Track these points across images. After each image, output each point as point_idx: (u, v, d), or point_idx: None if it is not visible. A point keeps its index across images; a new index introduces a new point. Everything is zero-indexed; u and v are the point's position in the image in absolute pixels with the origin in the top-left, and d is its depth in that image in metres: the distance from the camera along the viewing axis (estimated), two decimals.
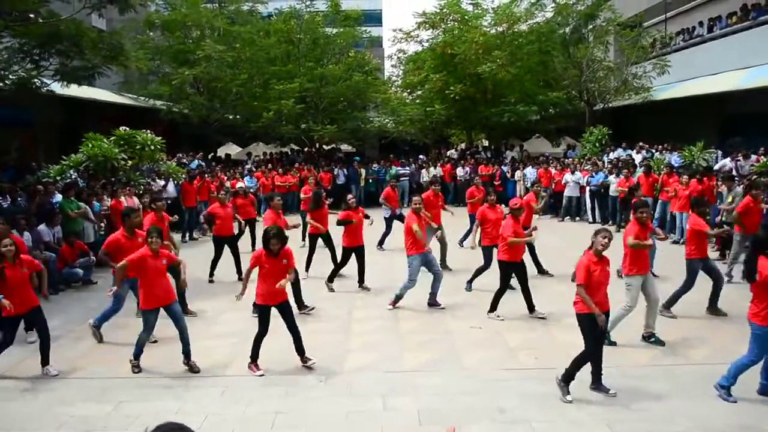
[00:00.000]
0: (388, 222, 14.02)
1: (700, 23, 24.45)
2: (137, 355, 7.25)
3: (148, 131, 16.47)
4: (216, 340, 8.07)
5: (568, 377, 6.28)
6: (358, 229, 10.57)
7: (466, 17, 25.99)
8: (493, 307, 9.04)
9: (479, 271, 10.36)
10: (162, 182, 16.58)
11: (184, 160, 21.06)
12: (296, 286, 9.33)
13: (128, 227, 8.40)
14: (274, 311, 7.16)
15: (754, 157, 15.51)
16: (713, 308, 8.88)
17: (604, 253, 6.42)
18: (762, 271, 5.84)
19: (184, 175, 17.18)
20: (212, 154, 26.23)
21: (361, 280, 10.78)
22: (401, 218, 12.94)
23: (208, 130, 25.71)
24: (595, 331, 6.16)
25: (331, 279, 10.87)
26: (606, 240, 6.35)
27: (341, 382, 6.85)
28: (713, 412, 5.89)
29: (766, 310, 5.87)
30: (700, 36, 24.11)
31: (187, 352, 7.26)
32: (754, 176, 12.01)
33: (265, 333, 7.09)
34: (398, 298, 9.55)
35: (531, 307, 9.08)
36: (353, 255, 10.64)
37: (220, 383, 6.84)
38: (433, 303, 9.57)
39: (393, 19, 52.57)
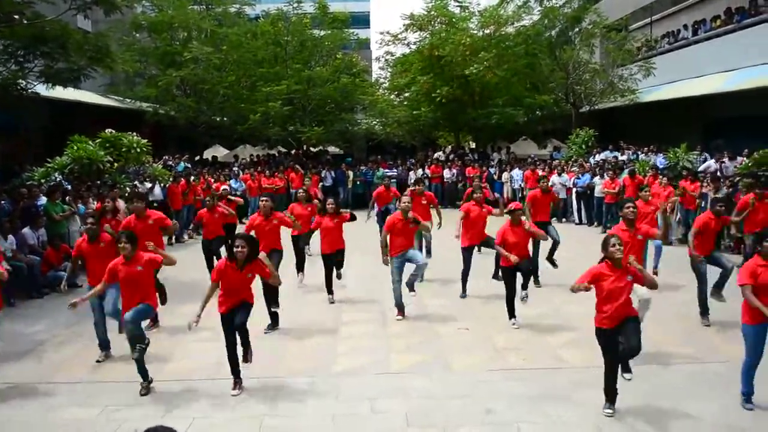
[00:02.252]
0: (380, 220, 13.26)
1: (685, 26, 24.65)
2: (143, 376, 6.74)
3: (134, 133, 16.38)
4: (204, 343, 8.03)
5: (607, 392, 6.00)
6: (335, 234, 9.89)
7: (453, 19, 26.05)
8: (511, 314, 8.70)
9: (463, 276, 10.12)
10: (148, 185, 16.49)
11: (171, 163, 20.96)
12: (274, 293, 8.63)
13: (88, 232, 7.85)
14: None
15: (739, 158, 15.65)
16: (716, 292, 8.60)
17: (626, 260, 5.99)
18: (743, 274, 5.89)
19: (170, 178, 17.11)
20: (199, 156, 26.12)
21: (337, 275, 10.27)
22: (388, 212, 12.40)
23: (195, 133, 25.58)
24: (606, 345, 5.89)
25: (329, 291, 10.20)
26: (615, 247, 5.84)
27: (329, 386, 6.83)
28: (701, 413, 5.93)
29: (746, 307, 5.90)
30: (684, 39, 24.31)
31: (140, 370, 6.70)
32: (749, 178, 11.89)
33: (234, 343, 6.63)
34: (397, 305, 9.18)
35: (511, 314, 8.76)
36: (333, 264, 10.07)
37: (207, 387, 6.79)
38: (408, 285, 9.15)
39: (381, 21, 52.75)
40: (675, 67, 22.86)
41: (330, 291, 10.17)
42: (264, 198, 9.80)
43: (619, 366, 6.13)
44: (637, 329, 5.87)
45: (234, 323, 6.56)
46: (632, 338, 5.81)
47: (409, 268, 9.18)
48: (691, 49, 23.00)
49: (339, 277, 10.33)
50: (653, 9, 26.92)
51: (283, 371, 7.25)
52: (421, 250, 11.08)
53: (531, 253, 9.45)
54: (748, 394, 6.05)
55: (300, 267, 11.47)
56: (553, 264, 11.06)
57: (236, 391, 6.59)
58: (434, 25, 26.16)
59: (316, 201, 10.77)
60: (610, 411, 5.91)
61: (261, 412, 6.15)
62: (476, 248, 10.22)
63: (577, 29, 24.76)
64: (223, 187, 14.96)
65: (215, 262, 8.18)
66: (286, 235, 10.40)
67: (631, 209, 7.68)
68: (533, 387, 6.64)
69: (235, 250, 6.48)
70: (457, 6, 26.58)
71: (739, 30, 20.41)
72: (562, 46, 24.49)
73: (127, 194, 14.31)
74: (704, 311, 8.64)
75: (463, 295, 10.21)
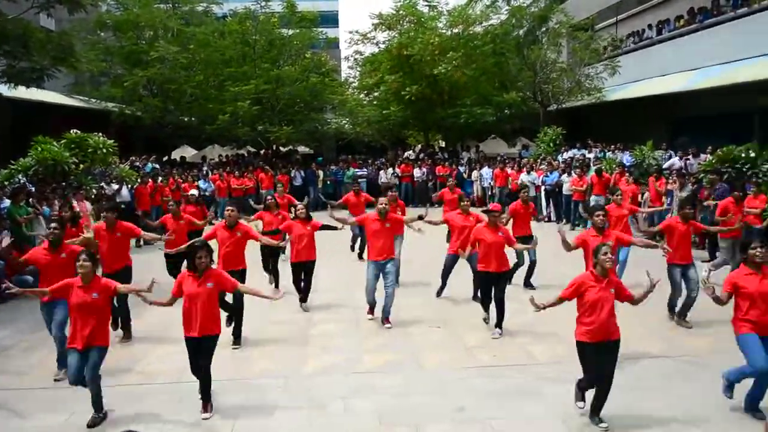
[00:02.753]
0: (353, 229, 12.69)
1: (650, 26, 25.03)
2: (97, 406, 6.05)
3: (100, 134, 16.12)
4: (174, 345, 7.95)
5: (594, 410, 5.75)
6: (305, 243, 9.35)
7: (421, 19, 26.16)
8: (485, 310, 8.55)
9: (443, 277, 9.94)
10: (115, 186, 16.26)
11: (138, 164, 20.69)
12: (238, 316, 8.21)
13: (50, 238, 7.20)
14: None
15: (702, 156, 15.96)
16: (681, 319, 8.48)
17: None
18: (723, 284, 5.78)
19: (137, 179, 16.90)
20: (167, 157, 25.83)
21: (302, 298, 9.68)
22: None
23: (163, 133, 25.30)
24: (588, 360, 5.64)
25: (302, 299, 9.72)
26: (607, 256, 5.61)
27: (301, 386, 6.82)
28: (667, 405, 6.03)
29: (736, 317, 5.79)
30: (649, 38, 24.69)
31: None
32: (742, 179, 11.92)
33: (196, 368, 6.13)
34: (369, 302, 9.02)
35: (488, 319, 8.57)
36: (301, 271, 9.55)
37: (178, 390, 6.71)
38: (384, 316, 8.79)
39: (350, 20, 52.56)
40: (640, 66, 23.23)
41: (300, 294, 9.67)
42: (230, 207, 8.66)
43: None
44: (614, 357, 5.62)
45: (198, 358, 6.08)
46: (607, 367, 5.57)
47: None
48: (656, 49, 23.39)
49: (304, 302, 9.69)
50: (619, 9, 27.29)
51: (255, 372, 7.22)
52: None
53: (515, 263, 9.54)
54: (729, 389, 5.89)
55: (275, 277, 10.77)
56: (530, 286, 10.50)
57: (207, 414, 6.09)
58: (403, 24, 26.28)
59: (301, 208, 9.68)
60: (582, 404, 5.89)
61: (233, 414, 6.11)
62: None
63: (544, 29, 25.01)
64: (191, 191, 14.19)
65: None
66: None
67: (601, 218, 7.77)
68: (503, 383, 6.72)
69: (196, 260, 6.02)
70: (426, 5, 26.73)
71: (701, 30, 20.81)
72: (530, 45, 24.72)
73: (93, 195, 14.14)
74: (673, 311, 8.66)
75: (439, 294, 10.13)
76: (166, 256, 9.90)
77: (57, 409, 6.32)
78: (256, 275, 9.94)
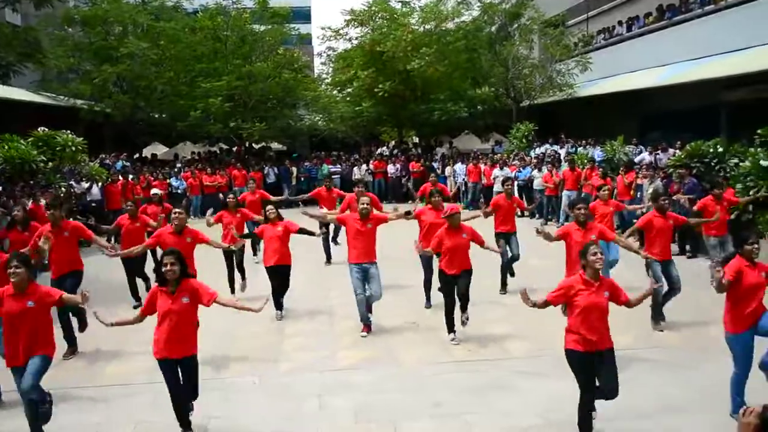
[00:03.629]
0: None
1: (620, 23, 25.32)
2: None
3: (69, 132, 15.86)
4: (145, 345, 7.84)
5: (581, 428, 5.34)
6: (276, 245, 8.84)
7: (394, 15, 26.16)
8: (450, 328, 7.93)
9: (426, 285, 9.46)
10: (85, 184, 16.01)
11: (108, 161, 20.40)
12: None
13: None
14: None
15: (671, 150, 16.20)
16: (656, 318, 8.23)
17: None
18: (726, 272, 5.49)
19: (108, 177, 16.66)
20: (138, 154, 25.50)
21: (277, 305, 9.06)
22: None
23: (133, 130, 24.97)
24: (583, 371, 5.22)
25: (277, 306, 9.11)
26: (597, 256, 5.14)
27: (276, 384, 6.79)
28: (634, 395, 6.08)
29: (728, 315, 5.60)
30: (619, 35, 24.99)
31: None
32: (719, 177, 11.90)
33: (177, 392, 5.48)
34: (362, 319, 8.32)
35: (450, 328, 8.00)
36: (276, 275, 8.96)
37: (149, 390, 6.56)
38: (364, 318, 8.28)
39: (322, 16, 52.50)
40: (611, 62, 23.48)
41: (277, 305, 9.07)
42: (177, 210, 8.19)
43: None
44: (613, 367, 5.20)
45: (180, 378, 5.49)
46: (608, 378, 5.15)
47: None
48: (626, 45, 23.68)
49: (279, 311, 9.11)
50: (589, 5, 27.57)
51: (230, 371, 7.17)
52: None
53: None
54: (740, 405, 5.25)
55: (232, 283, 10.20)
56: (511, 273, 10.25)
57: None
58: (375, 20, 26.23)
59: (271, 209, 9.14)
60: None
61: (208, 414, 6.05)
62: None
63: (516, 25, 25.20)
64: (153, 190, 13.32)
65: (149, 286, 7.23)
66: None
67: (583, 211, 7.60)
68: (479, 378, 6.76)
69: (163, 269, 5.32)
70: (398, 1, 26.74)
71: (670, 27, 21.12)
72: (502, 41, 24.87)
73: (62, 194, 13.90)
74: (657, 316, 8.28)
75: (428, 305, 9.49)
76: (123, 259, 9.36)
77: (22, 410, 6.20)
78: (220, 281, 9.55)
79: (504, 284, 10.13)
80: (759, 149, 12.21)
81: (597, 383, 5.20)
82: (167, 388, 5.40)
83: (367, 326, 8.30)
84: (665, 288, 8.10)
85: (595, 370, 5.16)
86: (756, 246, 5.61)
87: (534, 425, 5.73)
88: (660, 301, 8.16)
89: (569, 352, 5.23)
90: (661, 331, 8.11)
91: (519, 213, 11.92)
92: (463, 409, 6.05)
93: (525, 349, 7.63)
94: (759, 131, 12.69)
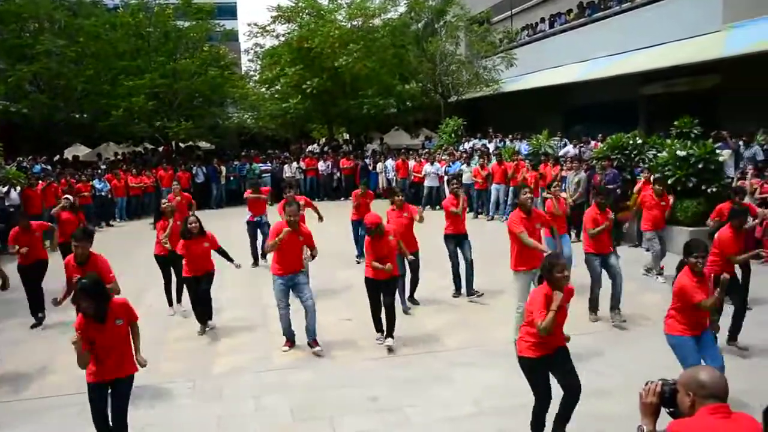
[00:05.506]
0: (251, 229, 11.97)
1: (542, 19, 26.03)
2: None
3: None
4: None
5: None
6: (199, 262, 8.25)
7: (321, 11, 26.07)
8: (377, 328, 7.85)
9: (411, 282, 9.24)
10: (3, 189, 15.31)
11: (26, 164, 19.57)
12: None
13: None
14: None
15: (593, 143, 16.78)
16: (614, 313, 8.13)
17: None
18: (677, 280, 5.47)
19: (25, 181, 15.99)
20: (58, 156, 24.54)
21: (200, 319, 8.48)
22: (266, 225, 11.36)
23: (53, 131, 24.01)
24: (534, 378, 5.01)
25: (201, 320, 8.52)
26: (562, 273, 4.85)
27: (211, 387, 6.69)
28: (599, 375, 6.28)
29: (672, 318, 5.49)
30: (542, 31, 25.68)
31: None
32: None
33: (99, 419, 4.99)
34: (285, 334, 7.76)
35: (378, 328, 7.88)
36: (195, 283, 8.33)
37: (76, 401, 6.22)
38: (312, 341, 7.62)
39: (248, 12, 51.67)
40: (535, 58, 24.12)
41: (200, 319, 8.49)
42: (76, 243, 6.69)
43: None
44: (570, 363, 5.02)
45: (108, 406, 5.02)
46: (570, 376, 4.95)
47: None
48: (549, 41, 24.37)
49: (202, 329, 8.47)
50: (513, 3, 28.23)
51: (161, 376, 6.99)
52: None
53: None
54: None
55: (169, 295, 9.45)
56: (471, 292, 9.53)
57: None
58: (302, 16, 26.08)
59: (194, 222, 8.26)
60: None
61: (141, 422, 5.87)
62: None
63: (442, 22, 25.57)
64: (65, 196, 12.23)
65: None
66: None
67: (528, 195, 7.46)
68: (415, 371, 6.85)
69: (81, 307, 4.82)
70: None
71: (590, 24, 21.86)
72: (428, 38, 25.19)
73: None
74: (595, 309, 8.34)
75: (405, 308, 9.01)
76: (20, 269, 8.92)
77: None
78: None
79: (458, 287, 9.65)
80: (675, 140, 12.83)
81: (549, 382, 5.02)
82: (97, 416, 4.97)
83: (290, 342, 7.76)
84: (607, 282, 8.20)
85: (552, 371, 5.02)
86: (701, 261, 5.41)
87: (470, 413, 5.84)
88: (597, 297, 8.27)
89: (525, 360, 4.98)
90: (596, 321, 8.26)
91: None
92: (400, 401, 6.11)
93: (457, 340, 7.78)
94: (675, 123, 13.33)
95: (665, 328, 5.54)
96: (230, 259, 8.65)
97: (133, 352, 5.18)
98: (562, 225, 9.46)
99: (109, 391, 4.98)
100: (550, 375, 5.01)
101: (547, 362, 4.93)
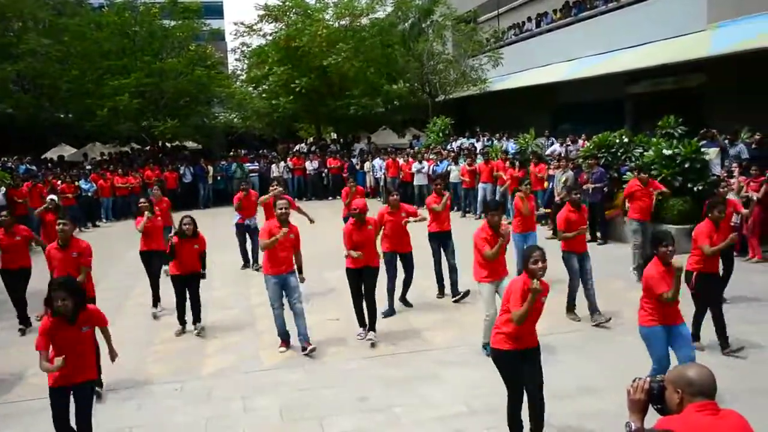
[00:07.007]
0: (240, 232, 11.77)
1: (529, 19, 26.13)
2: None
3: None
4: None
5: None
6: (187, 255, 8.09)
7: (308, 10, 26.04)
8: (360, 322, 7.95)
9: (404, 284, 9.12)
10: None
11: (11, 165, 19.40)
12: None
13: None
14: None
15: (580, 141, 16.86)
16: (594, 314, 8.11)
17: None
18: (645, 270, 5.53)
19: (9, 181, 15.84)
20: (43, 156, 24.35)
21: (194, 318, 8.40)
22: (255, 230, 11.24)
23: (38, 131, 23.82)
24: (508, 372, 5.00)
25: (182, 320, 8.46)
26: (540, 264, 4.84)
27: (199, 388, 6.64)
28: (560, 378, 6.29)
29: (642, 309, 5.51)
30: (529, 31, 25.77)
31: None
32: (617, 163, 12.05)
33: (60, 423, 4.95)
34: (280, 334, 7.71)
35: (361, 323, 7.95)
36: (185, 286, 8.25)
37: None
38: (304, 343, 7.51)
39: (235, 12, 51.52)
40: (522, 57, 24.21)
41: (181, 320, 8.42)
42: (62, 221, 7.09)
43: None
44: (539, 364, 5.03)
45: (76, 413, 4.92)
46: (536, 375, 4.98)
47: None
48: (536, 40, 24.48)
49: (197, 329, 8.37)
50: (500, 2, 28.31)
51: (149, 377, 6.95)
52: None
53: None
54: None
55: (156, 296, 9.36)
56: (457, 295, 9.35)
57: None
58: (290, 15, 26.04)
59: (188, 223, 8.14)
60: None
61: (128, 423, 5.86)
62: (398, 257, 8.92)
63: (429, 21, 25.60)
64: (50, 196, 12.11)
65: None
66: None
67: (498, 218, 7.07)
68: (404, 370, 6.84)
69: (55, 305, 4.72)
70: None
71: (576, 23, 21.96)
72: (416, 37, 25.22)
73: None
74: (573, 307, 8.34)
75: (392, 308, 8.91)
76: (3, 273, 8.78)
77: None
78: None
79: (441, 288, 9.61)
80: (661, 139, 12.90)
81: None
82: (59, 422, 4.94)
83: (286, 342, 7.73)
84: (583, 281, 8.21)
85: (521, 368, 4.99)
86: (670, 249, 5.43)
87: (460, 413, 5.84)
88: (575, 294, 8.30)
89: (499, 353, 5.00)
90: (578, 320, 8.24)
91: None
92: (389, 401, 6.10)
93: (445, 339, 7.78)
94: (660, 122, 13.41)
95: (638, 321, 5.59)
96: (203, 267, 8.40)
97: (108, 350, 5.31)
98: (531, 224, 9.53)
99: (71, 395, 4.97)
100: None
101: (520, 356, 4.92)
